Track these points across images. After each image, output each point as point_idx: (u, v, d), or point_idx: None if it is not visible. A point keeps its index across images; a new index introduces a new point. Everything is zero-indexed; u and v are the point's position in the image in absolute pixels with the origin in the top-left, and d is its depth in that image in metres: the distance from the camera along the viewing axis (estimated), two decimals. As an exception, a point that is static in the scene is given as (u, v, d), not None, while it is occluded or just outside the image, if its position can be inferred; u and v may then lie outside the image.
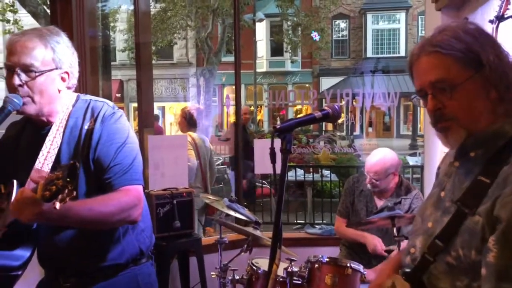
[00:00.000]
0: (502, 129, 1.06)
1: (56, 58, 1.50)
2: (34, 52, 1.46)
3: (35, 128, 1.59)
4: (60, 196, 1.16)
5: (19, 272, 1.53)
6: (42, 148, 1.51)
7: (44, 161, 1.49)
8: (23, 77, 1.45)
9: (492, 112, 1.06)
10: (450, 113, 1.07)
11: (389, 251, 2.61)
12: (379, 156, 2.82)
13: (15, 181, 1.50)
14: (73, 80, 1.59)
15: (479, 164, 1.07)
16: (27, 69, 1.45)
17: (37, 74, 1.46)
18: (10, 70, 1.47)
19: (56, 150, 1.51)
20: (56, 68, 1.51)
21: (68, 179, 1.16)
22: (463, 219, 1.05)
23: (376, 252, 2.66)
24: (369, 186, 2.84)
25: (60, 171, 1.18)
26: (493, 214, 0.98)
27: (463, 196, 1.07)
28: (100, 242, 1.56)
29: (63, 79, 1.54)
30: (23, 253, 1.50)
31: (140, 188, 1.53)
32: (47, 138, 1.52)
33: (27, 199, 1.25)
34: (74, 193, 1.17)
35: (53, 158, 1.50)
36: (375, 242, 2.68)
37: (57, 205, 1.16)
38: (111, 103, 1.62)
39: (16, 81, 1.45)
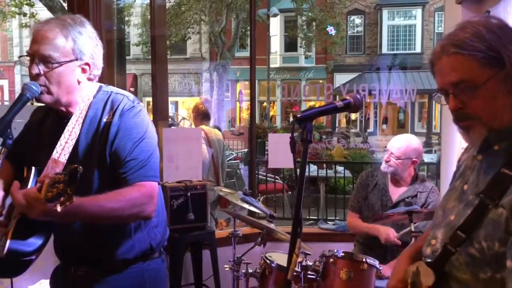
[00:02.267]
0: None
1: (77, 49, 1.48)
2: (53, 43, 1.44)
3: (57, 116, 1.59)
4: (62, 199, 1.16)
5: (33, 257, 1.54)
6: (61, 138, 1.50)
7: (62, 151, 1.48)
8: (41, 67, 1.45)
9: None
10: (472, 113, 1.07)
11: (402, 240, 2.58)
12: (407, 136, 2.88)
13: (33, 168, 1.51)
14: (96, 71, 1.56)
15: (503, 157, 1.08)
16: (46, 60, 1.45)
17: (54, 65, 1.45)
18: (31, 58, 1.47)
19: (74, 141, 1.50)
20: (76, 59, 1.48)
21: (68, 183, 1.16)
22: (486, 211, 1.05)
23: (389, 241, 2.63)
24: (383, 165, 2.81)
25: (63, 174, 1.18)
26: None
27: (486, 188, 1.07)
28: (111, 235, 1.55)
29: (83, 71, 1.52)
30: (36, 240, 1.50)
31: (154, 184, 1.50)
32: (66, 128, 1.51)
33: (32, 198, 1.26)
34: (74, 198, 1.16)
35: (70, 149, 1.49)
36: (388, 232, 2.65)
37: (58, 208, 1.16)
38: (131, 97, 1.58)
39: (35, 70, 1.45)
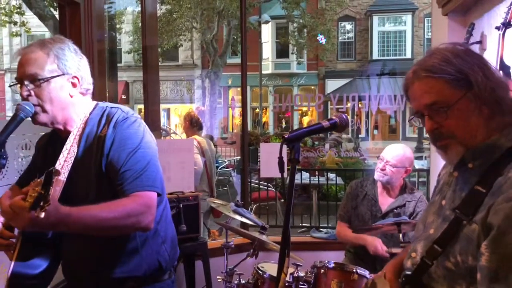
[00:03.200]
0: (497, 142, 1.12)
1: (61, 64, 1.50)
2: (37, 62, 1.47)
3: (58, 137, 1.60)
4: (41, 203, 1.12)
5: (41, 282, 1.50)
6: (59, 157, 1.49)
7: (61, 170, 1.47)
8: (31, 86, 1.47)
9: (486, 127, 1.13)
10: (447, 132, 1.14)
11: (390, 253, 2.60)
12: (401, 146, 2.91)
13: None
14: (86, 85, 1.57)
15: (476, 174, 1.14)
16: (33, 78, 1.47)
17: (42, 82, 1.46)
18: (20, 83, 1.49)
19: (72, 159, 1.50)
20: (63, 74, 1.50)
21: (43, 186, 1.13)
22: (460, 226, 1.11)
23: (377, 254, 2.65)
24: (378, 174, 2.82)
25: (40, 178, 1.16)
26: (487, 221, 1.04)
27: (461, 205, 1.14)
28: (116, 252, 1.54)
29: (73, 85, 1.53)
30: (40, 262, 1.48)
31: (152, 194, 1.47)
32: (64, 147, 1.51)
33: (16, 207, 1.23)
34: (50, 200, 1.13)
35: (69, 167, 1.49)
36: (376, 244, 2.67)
37: (41, 214, 1.12)
38: (126, 109, 1.59)
39: (25, 92, 1.47)
